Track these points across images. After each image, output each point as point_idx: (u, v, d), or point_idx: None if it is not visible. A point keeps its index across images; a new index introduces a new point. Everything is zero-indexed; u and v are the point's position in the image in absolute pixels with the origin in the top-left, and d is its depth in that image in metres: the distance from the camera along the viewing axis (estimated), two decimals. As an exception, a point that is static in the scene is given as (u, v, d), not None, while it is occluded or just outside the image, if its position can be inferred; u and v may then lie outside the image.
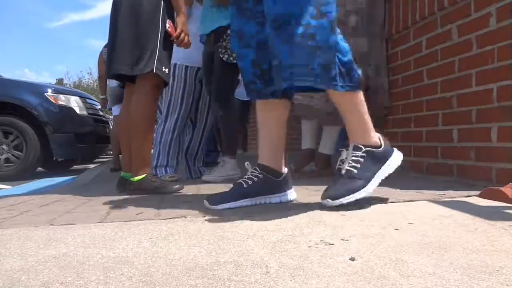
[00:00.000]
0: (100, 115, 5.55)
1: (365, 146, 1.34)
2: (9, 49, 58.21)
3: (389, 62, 2.48)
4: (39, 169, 5.18)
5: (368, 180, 1.31)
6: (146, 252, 0.87)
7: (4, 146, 4.58)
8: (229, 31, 2.27)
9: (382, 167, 1.34)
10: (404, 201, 1.35)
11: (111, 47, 1.97)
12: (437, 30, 2.02)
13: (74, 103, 4.96)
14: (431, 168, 2.06)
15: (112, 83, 4.16)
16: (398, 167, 1.38)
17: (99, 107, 5.54)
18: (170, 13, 2.00)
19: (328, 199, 1.27)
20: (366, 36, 2.23)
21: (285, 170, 1.50)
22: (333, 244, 0.88)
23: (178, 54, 2.10)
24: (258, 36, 1.38)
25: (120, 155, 2.79)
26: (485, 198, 1.40)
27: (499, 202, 1.30)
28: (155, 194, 1.87)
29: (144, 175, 1.95)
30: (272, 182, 1.46)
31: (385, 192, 1.49)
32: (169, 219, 1.23)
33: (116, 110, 4.39)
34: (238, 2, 1.41)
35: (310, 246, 0.87)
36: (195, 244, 0.92)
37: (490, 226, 1.00)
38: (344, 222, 1.10)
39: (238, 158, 2.51)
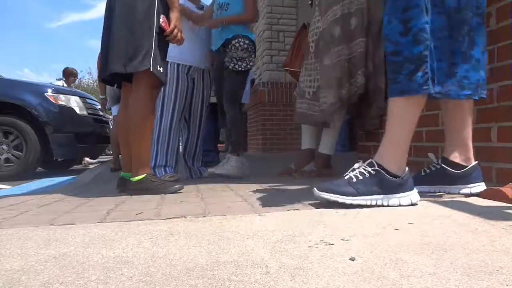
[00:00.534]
0: (100, 115, 5.55)
1: (379, 166, 1.33)
2: (9, 49, 58.32)
3: (389, 62, 2.48)
4: (39, 169, 5.18)
5: (360, 194, 1.30)
6: (146, 252, 0.87)
7: (4, 146, 4.58)
8: (233, 42, 2.62)
9: (384, 194, 1.31)
10: (404, 201, 1.35)
11: (105, 49, 1.95)
12: (437, 30, 2.01)
13: (74, 103, 4.96)
14: (431, 168, 2.05)
15: (112, 83, 4.15)
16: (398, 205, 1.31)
17: (99, 107, 5.54)
18: (165, 10, 2.00)
19: (315, 188, 1.34)
20: (366, 36, 2.23)
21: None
22: (333, 244, 0.88)
23: (170, 53, 2.11)
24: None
25: (120, 155, 2.79)
26: (485, 198, 1.40)
27: (499, 202, 1.31)
28: (155, 194, 1.87)
29: (144, 175, 1.95)
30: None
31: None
32: (169, 219, 1.23)
33: (115, 110, 4.39)
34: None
35: (310, 246, 0.87)
36: (195, 244, 0.92)
37: (490, 226, 1.00)
38: (344, 222, 1.10)
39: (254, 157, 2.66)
